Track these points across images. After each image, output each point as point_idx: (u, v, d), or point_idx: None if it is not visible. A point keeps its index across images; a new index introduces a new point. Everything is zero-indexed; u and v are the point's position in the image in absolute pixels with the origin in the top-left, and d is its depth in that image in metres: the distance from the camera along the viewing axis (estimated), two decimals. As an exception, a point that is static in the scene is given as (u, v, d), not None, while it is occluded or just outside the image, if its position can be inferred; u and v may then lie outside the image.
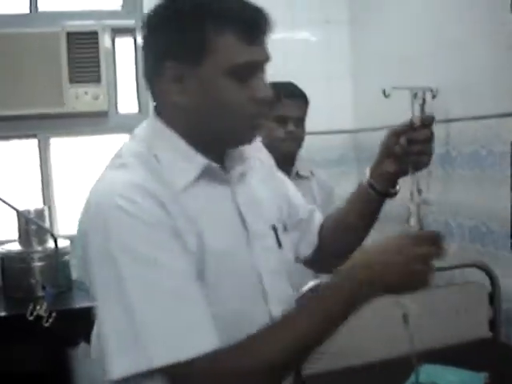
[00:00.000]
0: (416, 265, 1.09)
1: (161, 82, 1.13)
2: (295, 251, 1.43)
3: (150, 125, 1.21)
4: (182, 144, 1.15)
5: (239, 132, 1.16)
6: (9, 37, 3.28)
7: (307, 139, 2.59)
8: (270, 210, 1.29)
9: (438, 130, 3.07)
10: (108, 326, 0.99)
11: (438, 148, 2.91)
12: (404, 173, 1.35)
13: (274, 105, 1.21)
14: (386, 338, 2.28)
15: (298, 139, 2.53)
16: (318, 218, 1.51)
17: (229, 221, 1.18)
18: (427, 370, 2.10)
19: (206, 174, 1.14)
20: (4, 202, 2.85)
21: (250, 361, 1.00)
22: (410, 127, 1.28)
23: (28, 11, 3.52)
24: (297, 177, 2.54)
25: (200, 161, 1.14)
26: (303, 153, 2.64)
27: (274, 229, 1.27)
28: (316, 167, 2.78)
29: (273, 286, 1.22)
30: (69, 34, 3.35)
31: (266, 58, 1.16)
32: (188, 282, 1.01)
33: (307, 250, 1.47)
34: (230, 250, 1.14)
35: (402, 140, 1.28)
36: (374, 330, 2.28)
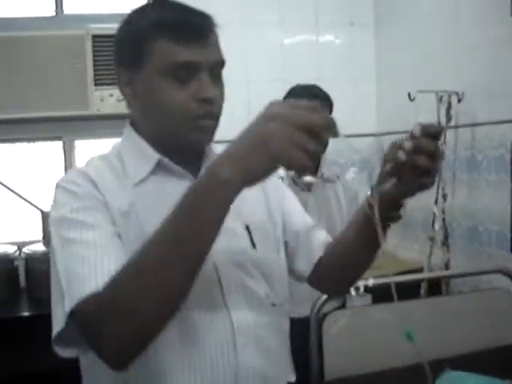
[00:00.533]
0: (271, 123, 0.87)
1: (120, 87, 1.23)
2: (290, 264, 1.40)
3: (125, 129, 1.31)
4: (142, 144, 1.23)
5: (183, 132, 1.17)
6: (34, 39, 3.31)
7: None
8: (248, 212, 1.27)
9: (464, 134, 3.05)
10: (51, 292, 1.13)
11: (463, 152, 2.92)
12: (409, 194, 1.15)
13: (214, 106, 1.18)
14: (408, 344, 2.26)
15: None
16: (322, 236, 1.43)
17: None
18: (451, 377, 2.08)
19: (161, 169, 1.21)
20: (29, 202, 2.88)
21: (112, 296, 0.98)
22: (411, 139, 1.09)
23: (54, 14, 3.55)
24: (322, 180, 2.53)
25: (154, 156, 1.21)
26: (328, 156, 2.63)
27: (248, 229, 1.25)
28: (340, 170, 2.77)
29: (230, 278, 1.19)
30: (94, 37, 3.37)
31: (208, 59, 1.16)
32: (100, 240, 1.08)
33: (304, 265, 1.40)
34: None
35: (400, 153, 1.07)
36: (396, 337, 2.26)
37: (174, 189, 1.15)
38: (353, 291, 2.19)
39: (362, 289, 2.18)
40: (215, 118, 1.20)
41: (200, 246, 0.95)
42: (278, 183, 1.45)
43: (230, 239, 1.21)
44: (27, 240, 3.35)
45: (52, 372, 2.70)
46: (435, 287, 2.81)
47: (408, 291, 2.49)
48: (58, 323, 1.05)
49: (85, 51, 3.35)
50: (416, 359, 2.12)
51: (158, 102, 1.16)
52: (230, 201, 0.92)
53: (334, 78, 3.15)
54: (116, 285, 0.97)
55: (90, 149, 3.65)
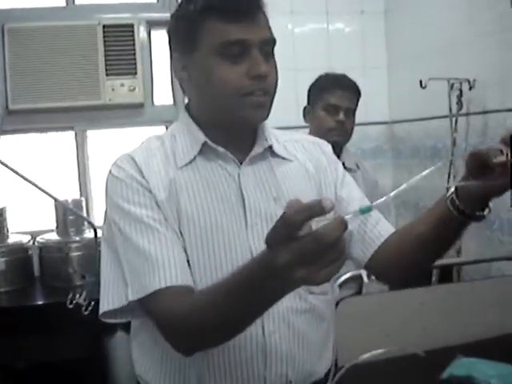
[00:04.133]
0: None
1: (175, 73, 1.31)
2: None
3: (180, 113, 1.38)
4: (193, 127, 1.29)
5: (237, 108, 1.21)
6: (45, 30, 3.33)
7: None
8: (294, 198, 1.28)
9: (475, 122, 3.05)
10: (101, 270, 1.25)
11: (474, 139, 2.91)
12: (497, 194, 1.14)
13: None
14: (421, 331, 2.28)
15: (347, 130, 2.54)
16: (383, 225, 1.39)
17: (224, 196, 1.24)
18: (463, 363, 2.09)
19: (208, 152, 1.27)
20: (43, 190, 2.89)
21: (185, 311, 1.09)
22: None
23: (64, 4, 3.55)
24: None
25: (201, 138, 1.27)
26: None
27: None
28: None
29: None
30: (105, 27, 3.38)
31: (258, 36, 1.19)
32: (152, 231, 1.18)
33: (360, 252, 1.38)
34: (213, 220, 1.22)
35: (499, 158, 1.05)
36: (410, 323, 2.27)
37: (217, 173, 1.26)
38: (365, 277, 2.21)
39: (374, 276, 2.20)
40: (269, 93, 1.23)
41: (258, 312, 1.03)
42: (336, 169, 1.43)
43: (270, 226, 1.22)
44: (41, 229, 3.38)
45: (67, 360, 2.73)
46: (447, 274, 2.81)
47: (420, 278, 2.50)
48: (111, 302, 1.20)
49: (96, 41, 3.37)
50: (428, 346, 2.12)
51: (213, 81, 1.21)
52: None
53: (344, 67, 3.12)
54: (199, 311, 1.07)
55: (102, 138, 3.66)
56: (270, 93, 1.23)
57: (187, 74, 1.26)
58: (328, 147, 1.46)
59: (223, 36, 1.18)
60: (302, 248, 0.80)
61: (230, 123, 1.25)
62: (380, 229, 1.37)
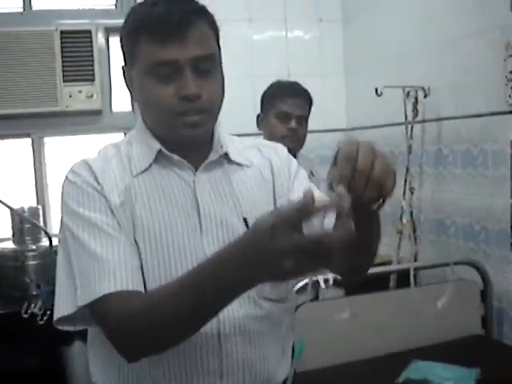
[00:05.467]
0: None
1: (126, 84, 1.31)
2: None
3: (137, 119, 1.37)
4: (147, 134, 1.29)
5: (171, 128, 1.23)
6: (2, 35, 3.27)
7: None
8: (248, 204, 1.28)
9: (430, 128, 3.10)
10: (56, 276, 1.23)
11: (430, 146, 2.96)
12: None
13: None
14: (378, 335, 2.30)
15: (299, 137, 2.56)
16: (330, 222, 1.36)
17: (179, 203, 1.24)
18: (419, 367, 2.12)
19: (163, 159, 1.27)
20: (-2, 200, 2.85)
21: (142, 308, 1.09)
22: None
23: (22, 10, 3.51)
24: None
25: (155, 146, 1.27)
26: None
27: (245, 221, 1.26)
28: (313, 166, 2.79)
29: None
30: (62, 33, 3.35)
31: (188, 55, 1.18)
32: (105, 235, 1.17)
33: None
34: (168, 226, 1.22)
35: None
36: (367, 327, 2.29)
37: (172, 180, 1.26)
38: (322, 284, 2.23)
39: (331, 281, 2.22)
40: (204, 112, 1.22)
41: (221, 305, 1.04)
42: (289, 168, 1.41)
43: (225, 232, 1.24)
44: (-3, 238, 3.32)
45: (22, 369, 2.69)
46: (404, 279, 2.85)
47: (378, 283, 2.53)
48: (64, 308, 1.18)
49: (53, 47, 3.33)
50: (385, 350, 2.16)
51: (146, 101, 1.24)
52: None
53: (303, 74, 3.17)
54: (152, 306, 1.07)
55: (59, 145, 3.62)
56: (206, 111, 1.22)
57: (132, 88, 1.29)
58: (283, 150, 1.45)
59: (153, 57, 1.18)
60: (303, 242, 0.85)
61: (170, 138, 1.26)
62: (328, 226, 1.35)
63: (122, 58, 1.29)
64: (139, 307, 1.08)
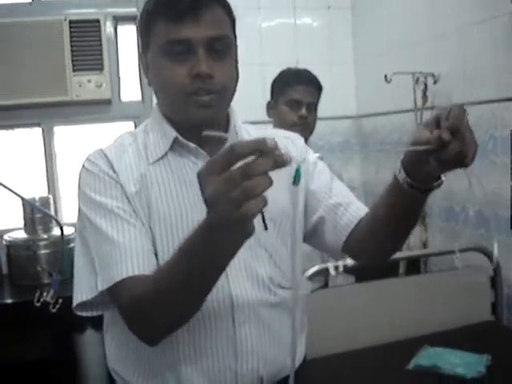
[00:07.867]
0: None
1: (143, 72, 1.33)
2: (320, 238, 1.40)
3: (153, 107, 1.39)
4: (163, 121, 1.31)
5: (183, 108, 1.23)
6: (11, 26, 3.28)
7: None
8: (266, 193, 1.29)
9: (440, 115, 3.06)
10: (74, 263, 1.27)
11: (440, 133, 2.95)
12: (447, 170, 1.15)
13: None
14: (388, 322, 2.31)
15: (309, 124, 2.56)
16: (354, 209, 1.38)
17: (195, 191, 1.19)
18: (429, 353, 2.13)
19: (178, 147, 1.29)
20: (9, 190, 2.87)
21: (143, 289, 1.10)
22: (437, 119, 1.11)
23: (30, 0, 3.51)
24: None
25: (171, 134, 1.29)
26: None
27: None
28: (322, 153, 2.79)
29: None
30: (71, 23, 3.35)
31: (202, 35, 1.19)
32: (121, 221, 1.20)
33: (333, 240, 1.38)
34: (183, 214, 1.24)
35: (445, 134, 1.07)
36: (377, 314, 2.30)
37: (188, 168, 1.27)
38: (332, 271, 2.23)
39: (341, 268, 2.22)
40: (215, 93, 1.22)
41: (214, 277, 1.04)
42: (308, 158, 1.42)
43: None
44: (8, 228, 3.35)
45: (35, 359, 2.71)
46: (414, 266, 2.86)
47: (387, 270, 2.54)
48: (84, 294, 1.21)
49: (62, 37, 3.33)
50: (395, 337, 2.17)
51: (160, 81, 1.25)
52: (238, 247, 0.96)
53: (312, 62, 3.15)
54: (159, 287, 1.07)
55: (69, 135, 3.63)
56: (217, 92, 1.22)
57: (148, 71, 1.30)
58: (300, 140, 1.46)
59: (167, 35, 1.19)
60: (228, 178, 0.83)
61: (182, 122, 1.26)
62: (350, 215, 1.37)
63: (140, 44, 1.32)
64: (145, 289, 1.10)
